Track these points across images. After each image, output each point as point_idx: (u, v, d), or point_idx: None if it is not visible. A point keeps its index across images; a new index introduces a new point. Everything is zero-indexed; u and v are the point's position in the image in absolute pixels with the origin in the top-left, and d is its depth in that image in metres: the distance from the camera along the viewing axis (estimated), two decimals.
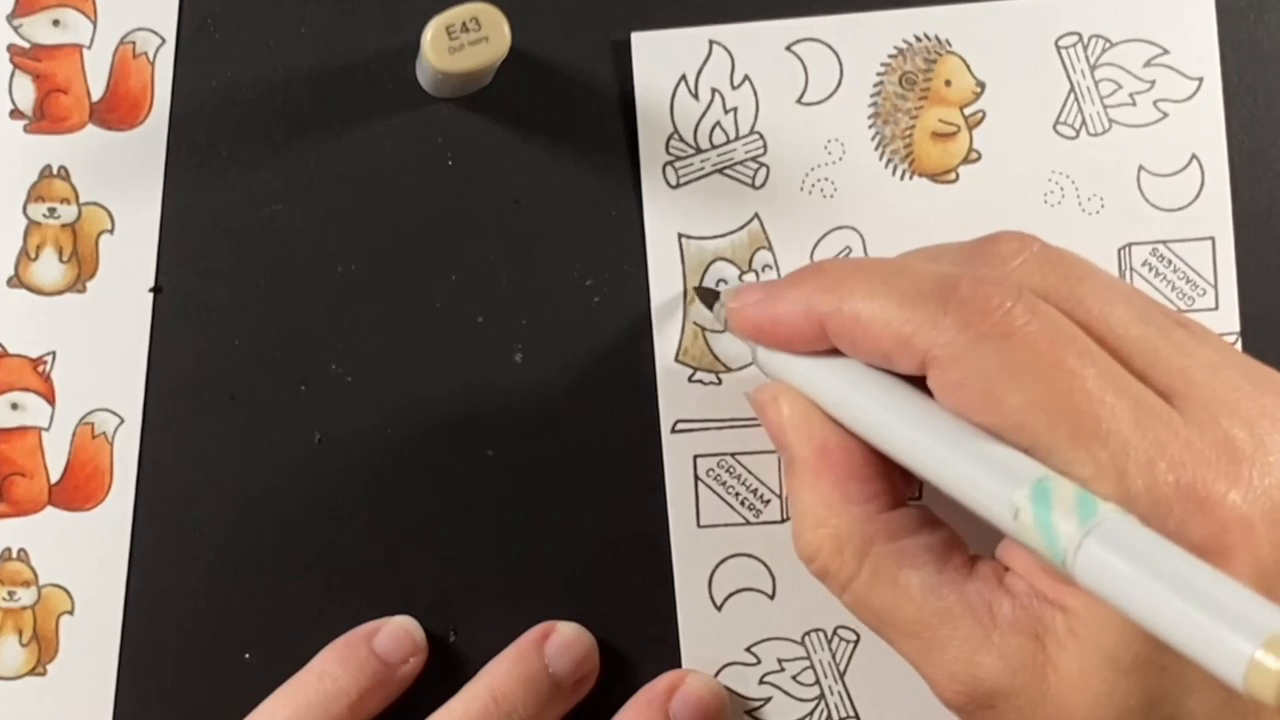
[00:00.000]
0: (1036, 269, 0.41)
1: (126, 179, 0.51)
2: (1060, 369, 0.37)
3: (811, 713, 0.51)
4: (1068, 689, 0.38)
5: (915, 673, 0.51)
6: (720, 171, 0.51)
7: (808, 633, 0.51)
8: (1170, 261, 0.51)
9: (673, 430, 0.51)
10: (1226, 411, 0.38)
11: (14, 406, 0.50)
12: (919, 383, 0.41)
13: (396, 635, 0.50)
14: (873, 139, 0.51)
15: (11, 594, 0.50)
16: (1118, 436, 0.37)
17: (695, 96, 0.51)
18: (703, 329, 0.51)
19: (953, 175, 0.51)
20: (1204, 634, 0.32)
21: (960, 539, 0.43)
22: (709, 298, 0.49)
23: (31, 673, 0.50)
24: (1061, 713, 0.39)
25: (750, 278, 0.51)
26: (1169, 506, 0.36)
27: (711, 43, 0.51)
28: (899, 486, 0.43)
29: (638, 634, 0.51)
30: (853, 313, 0.41)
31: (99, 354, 0.51)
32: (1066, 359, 0.38)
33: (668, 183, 0.51)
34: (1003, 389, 0.38)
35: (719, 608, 0.51)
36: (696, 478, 0.51)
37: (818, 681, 0.51)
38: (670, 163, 0.51)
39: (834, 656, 0.51)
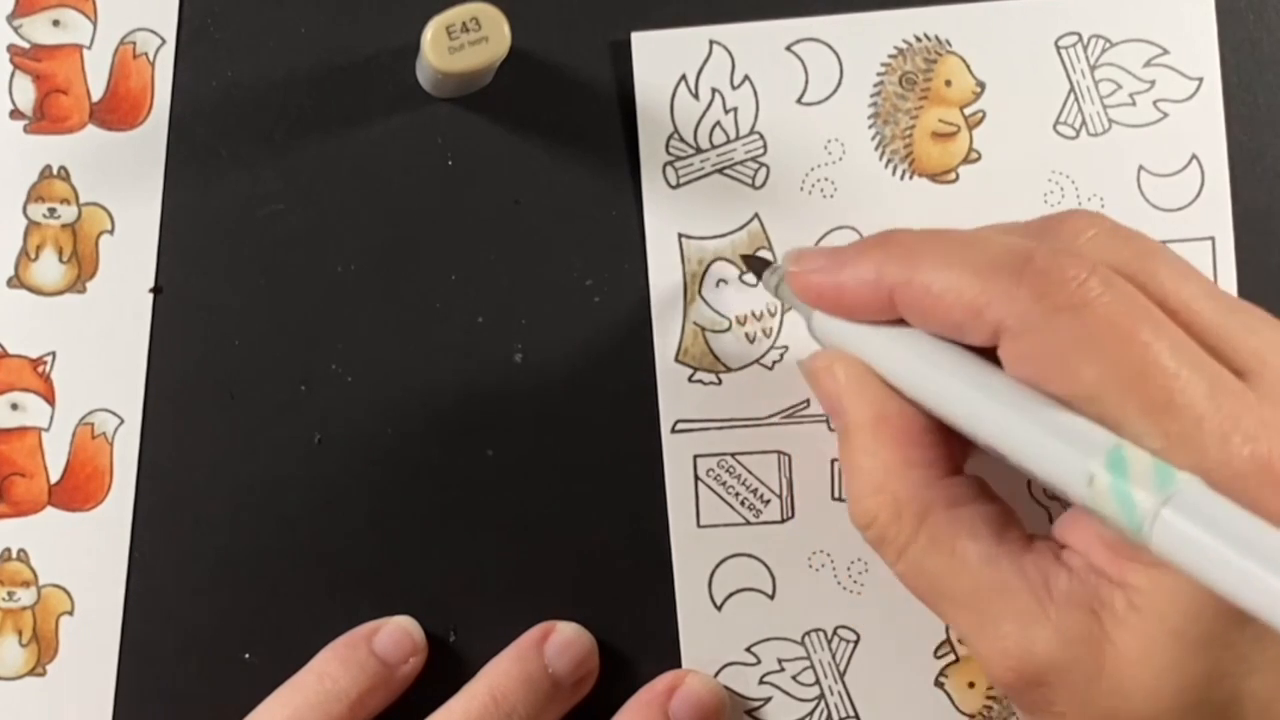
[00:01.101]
0: (1108, 244, 0.41)
1: (126, 179, 0.51)
2: (1135, 341, 0.37)
3: (811, 713, 0.51)
4: (1126, 664, 0.38)
5: (914, 673, 0.51)
6: (720, 171, 0.51)
7: (808, 633, 0.51)
8: None
9: (673, 430, 0.51)
10: None
11: (14, 407, 0.50)
12: (985, 355, 0.40)
13: (396, 635, 0.50)
14: (873, 139, 0.51)
15: (11, 594, 0.50)
16: (1191, 410, 0.37)
17: (695, 96, 0.51)
18: (703, 329, 0.51)
19: (953, 175, 0.51)
20: None
21: (1015, 514, 0.42)
22: (758, 266, 0.49)
23: (31, 673, 0.50)
24: (1118, 689, 0.38)
25: (750, 278, 0.51)
26: (1244, 479, 0.36)
27: (711, 43, 0.51)
28: (956, 454, 0.43)
29: (638, 634, 0.51)
30: (924, 283, 0.40)
31: (99, 354, 0.51)
32: (1141, 332, 0.37)
33: (668, 183, 0.51)
34: (1077, 361, 0.38)
35: (719, 608, 0.51)
36: (696, 478, 0.51)
37: (818, 681, 0.51)
38: (670, 163, 0.51)
39: (834, 656, 0.51)
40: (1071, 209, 0.43)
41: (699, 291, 0.51)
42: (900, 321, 0.42)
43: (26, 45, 0.50)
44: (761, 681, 0.51)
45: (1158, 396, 0.37)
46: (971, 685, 0.51)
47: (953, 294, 0.40)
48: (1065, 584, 0.39)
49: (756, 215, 0.51)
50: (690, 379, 0.51)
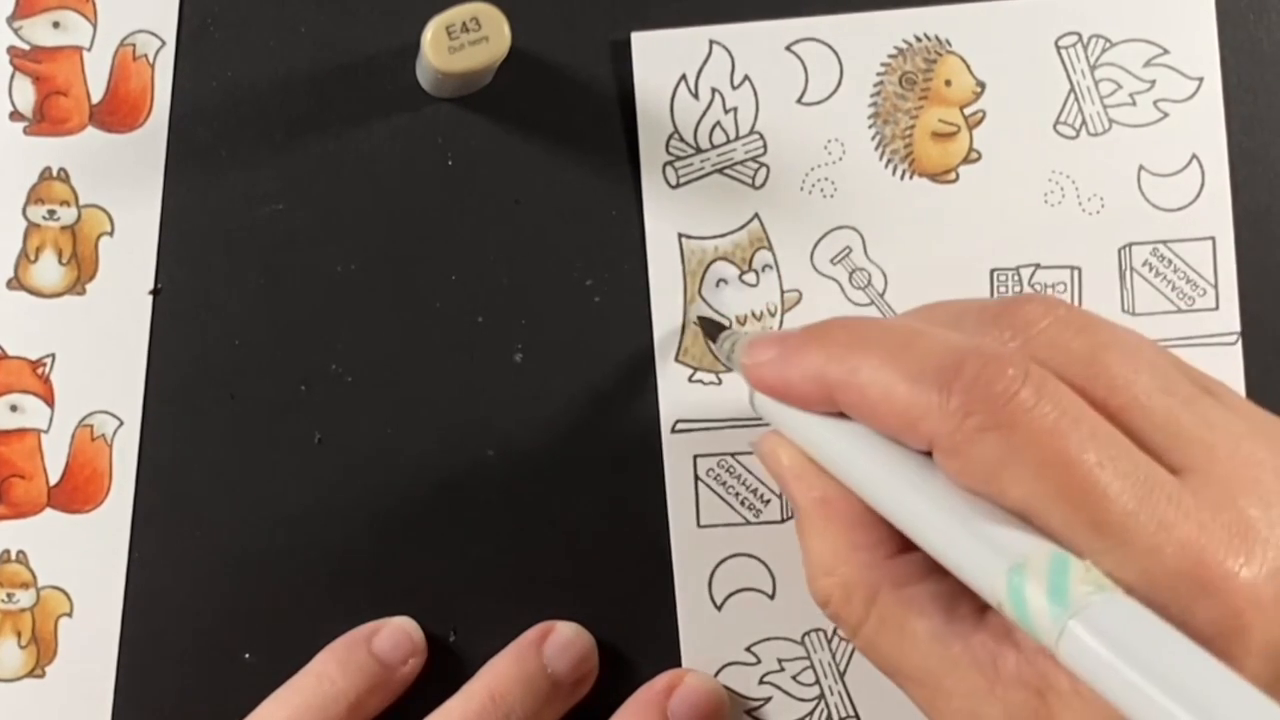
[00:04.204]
0: (1059, 334, 0.40)
1: (126, 181, 0.51)
2: (1062, 458, 0.37)
3: (811, 713, 0.51)
4: None
5: None
6: (720, 171, 0.51)
7: (808, 633, 0.51)
8: (1170, 261, 0.51)
9: (673, 430, 0.51)
10: (1245, 489, 0.37)
11: (13, 409, 0.50)
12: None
13: (395, 636, 0.50)
14: (873, 139, 0.51)
15: (10, 596, 0.50)
16: (1119, 526, 0.36)
17: (695, 96, 0.51)
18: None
19: (953, 175, 0.51)
20: None
21: (967, 589, 0.42)
22: (712, 330, 0.49)
23: (30, 675, 0.50)
24: None
25: (750, 278, 0.51)
26: (1173, 591, 0.36)
27: (711, 43, 0.51)
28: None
29: (638, 634, 0.51)
30: (860, 388, 0.40)
31: (98, 356, 0.51)
32: (1069, 447, 0.37)
33: (668, 183, 0.51)
34: (1005, 481, 0.37)
35: (719, 608, 0.51)
36: (696, 478, 0.51)
37: (818, 681, 0.51)
38: (670, 163, 0.51)
39: (834, 656, 0.51)
40: (1028, 295, 0.42)
41: (699, 291, 0.51)
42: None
43: (26, 47, 0.50)
44: (761, 681, 0.51)
45: (1084, 514, 0.36)
46: None
47: (886, 403, 0.39)
48: (1013, 664, 0.39)
49: (756, 215, 0.51)
50: (690, 379, 0.51)
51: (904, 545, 0.42)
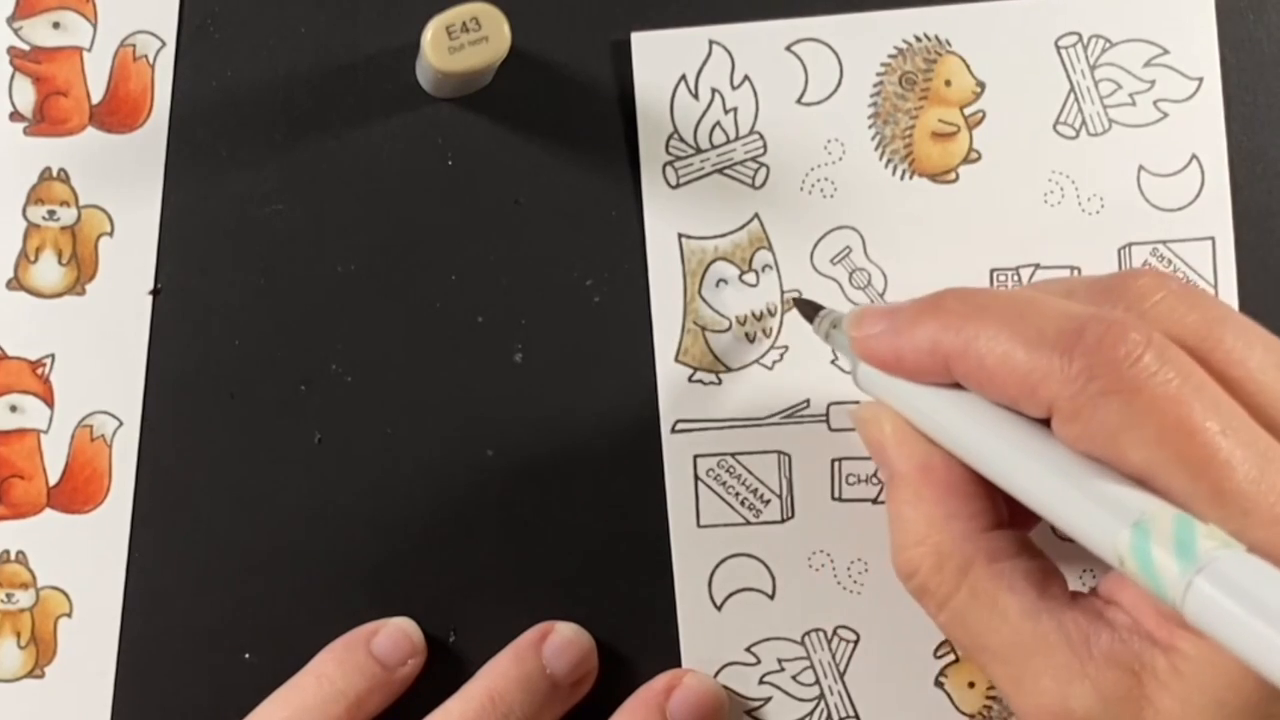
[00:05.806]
0: (1173, 308, 0.40)
1: (126, 182, 0.51)
2: (1184, 425, 0.37)
3: (811, 713, 0.51)
4: None
5: (914, 673, 0.51)
6: (720, 171, 0.51)
7: (808, 633, 0.51)
8: (1170, 261, 0.51)
9: (673, 430, 0.51)
10: None
11: (13, 409, 0.50)
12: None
13: (395, 637, 0.50)
14: (873, 139, 0.51)
15: (10, 596, 0.50)
16: (1239, 494, 0.36)
17: (695, 96, 0.51)
18: (703, 329, 0.51)
19: (953, 175, 0.51)
20: None
21: (1058, 570, 0.42)
22: (809, 310, 0.49)
23: (29, 675, 0.50)
24: None
25: (750, 278, 0.51)
26: None
27: (711, 43, 0.51)
28: (1000, 507, 0.42)
29: (638, 634, 0.51)
30: (978, 356, 0.40)
31: (98, 356, 0.51)
32: (1193, 414, 0.37)
33: (668, 183, 0.51)
34: (1126, 445, 0.37)
35: (719, 608, 0.51)
36: (696, 478, 0.51)
37: (818, 681, 0.51)
38: (670, 163, 0.51)
39: (834, 656, 0.51)
40: (1142, 268, 0.42)
41: (699, 291, 0.51)
42: (956, 384, 0.42)
43: (26, 47, 0.50)
44: (761, 681, 0.51)
45: (1207, 481, 0.36)
46: (971, 685, 0.51)
47: (1005, 369, 0.39)
48: (1107, 642, 0.39)
49: (756, 215, 0.51)
50: (690, 379, 0.51)
51: (998, 521, 0.42)
